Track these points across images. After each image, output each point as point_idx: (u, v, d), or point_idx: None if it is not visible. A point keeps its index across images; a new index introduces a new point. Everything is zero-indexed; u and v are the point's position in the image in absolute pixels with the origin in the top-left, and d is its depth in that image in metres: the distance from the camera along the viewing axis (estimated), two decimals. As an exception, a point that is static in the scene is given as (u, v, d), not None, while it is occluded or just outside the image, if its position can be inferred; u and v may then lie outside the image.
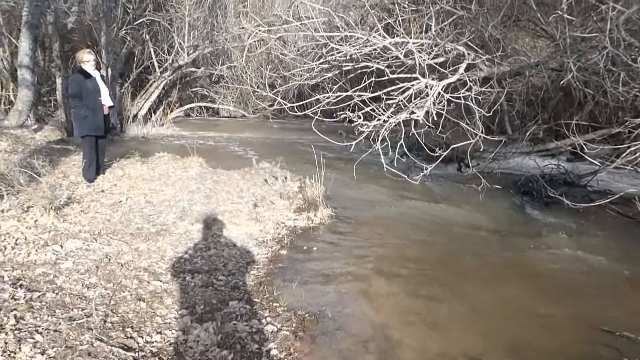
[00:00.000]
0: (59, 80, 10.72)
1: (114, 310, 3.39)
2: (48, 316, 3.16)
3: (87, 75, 6.27)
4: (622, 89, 6.22)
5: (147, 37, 12.88)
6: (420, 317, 3.77)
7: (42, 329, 3.00)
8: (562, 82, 6.57)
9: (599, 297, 4.25)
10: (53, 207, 5.00)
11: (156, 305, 3.55)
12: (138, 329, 3.21)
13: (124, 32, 11.88)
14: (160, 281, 3.96)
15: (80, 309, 3.32)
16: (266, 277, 4.29)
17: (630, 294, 4.36)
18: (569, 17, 5.81)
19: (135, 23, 12.20)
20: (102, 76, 6.57)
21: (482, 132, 6.17)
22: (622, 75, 6.20)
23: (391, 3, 7.59)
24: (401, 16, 6.32)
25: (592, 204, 5.81)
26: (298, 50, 8.72)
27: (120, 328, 3.18)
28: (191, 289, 3.88)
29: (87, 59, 6.30)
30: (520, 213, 6.73)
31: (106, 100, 6.42)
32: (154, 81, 13.24)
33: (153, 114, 13.36)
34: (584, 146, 6.42)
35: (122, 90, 12.31)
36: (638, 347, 3.43)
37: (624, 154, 6.05)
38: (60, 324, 3.08)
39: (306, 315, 3.64)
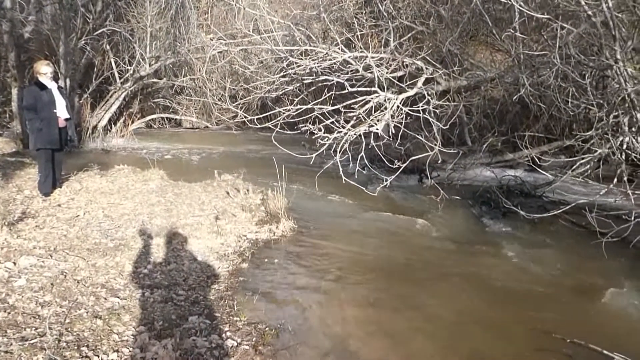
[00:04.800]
0: (14, 91, 10.45)
1: (69, 329, 3.32)
2: (-1, 336, 3.08)
3: (43, 87, 6.12)
4: (572, 103, 6.50)
5: (108, 47, 12.65)
6: (379, 328, 3.83)
7: (-8, 350, 2.92)
8: (515, 97, 6.81)
9: (550, 305, 4.40)
10: (6, 223, 4.88)
11: (113, 323, 3.49)
12: (94, 347, 3.15)
13: (83, 42, 11.62)
14: (118, 297, 3.90)
15: (34, 328, 3.25)
16: (227, 291, 4.28)
17: (579, 302, 4.54)
18: (520, 35, 6.04)
19: (95, 33, 11.96)
20: (59, 88, 6.42)
21: (439, 144, 6.32)
22: (572, 90, 6.49)
23: (351, 18, 7.73)
24: (360, 31, 6.45)
25: (545, 215, 6.01)
26: (261, 63, 8.75)
27: (75, 347, 3.11)
28: (150, 304, 3.83)
29: (44, 71, 6.15)
30: (477, 224, 6.89)
31: (62, 112, 6.26)
32: (115, 92, 12.99)
33: (113, 126, 13.10)
34: (537, 158, 6.64)
35: (81, 102, 12.04)
36: (587, 353, 3.57)
37: (575, 166, 6.32)
38: (11, 344, 3.00)
39: (267, 329, 3.65)
